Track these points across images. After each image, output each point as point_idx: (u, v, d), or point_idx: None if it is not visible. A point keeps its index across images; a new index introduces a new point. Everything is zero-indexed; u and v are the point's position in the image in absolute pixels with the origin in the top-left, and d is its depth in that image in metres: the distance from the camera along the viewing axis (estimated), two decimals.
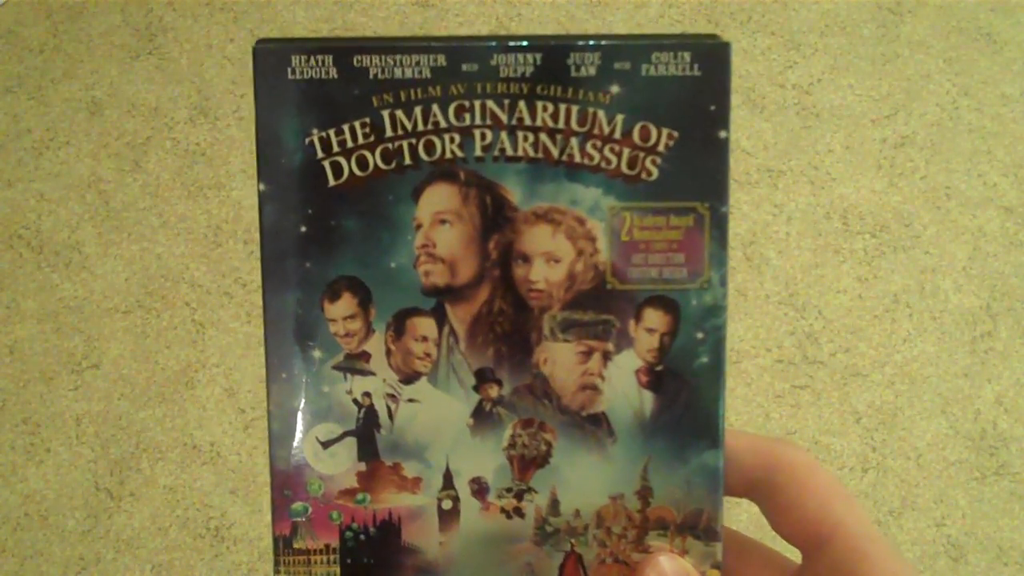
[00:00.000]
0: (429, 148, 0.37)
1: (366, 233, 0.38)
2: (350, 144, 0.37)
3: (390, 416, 0.39)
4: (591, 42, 0.37)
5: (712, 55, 0.37)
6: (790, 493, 0.38)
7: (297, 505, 0.39)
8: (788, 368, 1.46)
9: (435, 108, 0.37)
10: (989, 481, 1.41)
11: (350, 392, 0.38)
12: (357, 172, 0.38)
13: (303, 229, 0.38)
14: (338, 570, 0.39)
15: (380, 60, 0.37)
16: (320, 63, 0.37)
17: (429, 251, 0.38)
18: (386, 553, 0.39)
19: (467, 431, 0.39)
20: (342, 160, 0.37)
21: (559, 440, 0.39)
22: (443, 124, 0.37)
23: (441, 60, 0.37)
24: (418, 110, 0.37)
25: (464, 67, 0.37)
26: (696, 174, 0.38)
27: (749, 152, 1.56)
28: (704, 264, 0.38)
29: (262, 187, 0.38)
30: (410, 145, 0.37)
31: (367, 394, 0.38)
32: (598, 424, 0.39)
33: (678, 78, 0.37)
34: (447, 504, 0.39)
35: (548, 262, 0.38)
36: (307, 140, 0.37)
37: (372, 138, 0.37)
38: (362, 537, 0.39)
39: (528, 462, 0.39)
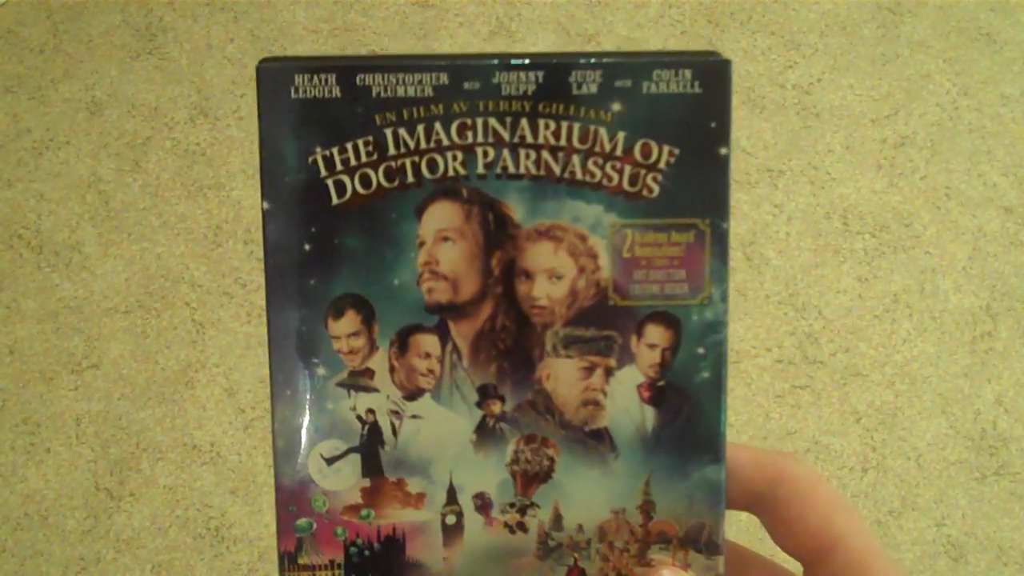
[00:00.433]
0: (432, 166, 0.37)
1: (369, 251, 0.38)
2: (353, 162, 0.37)
3: (394, 432, 0.39)
4: (592, 60, 0.37)
5: (713, 72, 0.37)
6: (792, 506, 0.39)
7: (302, 521, 0.39)
8: (788, 368, 1.46)
9: (437, 126, 0.37)
10: (989, 481, 1.41)
11: (354, 409, 0.39)
12: (360, 190, 0.38)
13: (307, 247, 0.38)
14: None
15: (383, 78, 0.37)
16: (323, 82, 0.37)
17: (432, 268, 0.38)
18: (390, 568, 0.39)
19: (470, 447, 0.39)
20: (345, 178, 0.38)
21: (562, 455, 0.39)
22: (445, 142, 0.37)
23: (443, 78, 0.37)
24: (421, 128, 0.37)
25: (466, 85, 0.37)
26: (697, 191, 0.38)
27: (749, 152, 1.56)
28: (705, 280, 0.38)
29: (266, 205, 0.38)
30: (413, 163, 0.37)
31: (371, 411, 0.39)
32: (600, 439, 0.39)
33: (679, 95, 0.37)
34: (451, 519, 0.39)
35: (550, 279, 0.38)
36: (310, 159, 0.38)
37: (375, 156, 0.37)
38: (366, 553, 0.39)
39: (531, 477, 0.39)
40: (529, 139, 0.37)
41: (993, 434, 1.43)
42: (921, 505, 1.40)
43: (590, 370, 0.39)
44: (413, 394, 0.39)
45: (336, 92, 0.37)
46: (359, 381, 0.39)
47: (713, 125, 0.38)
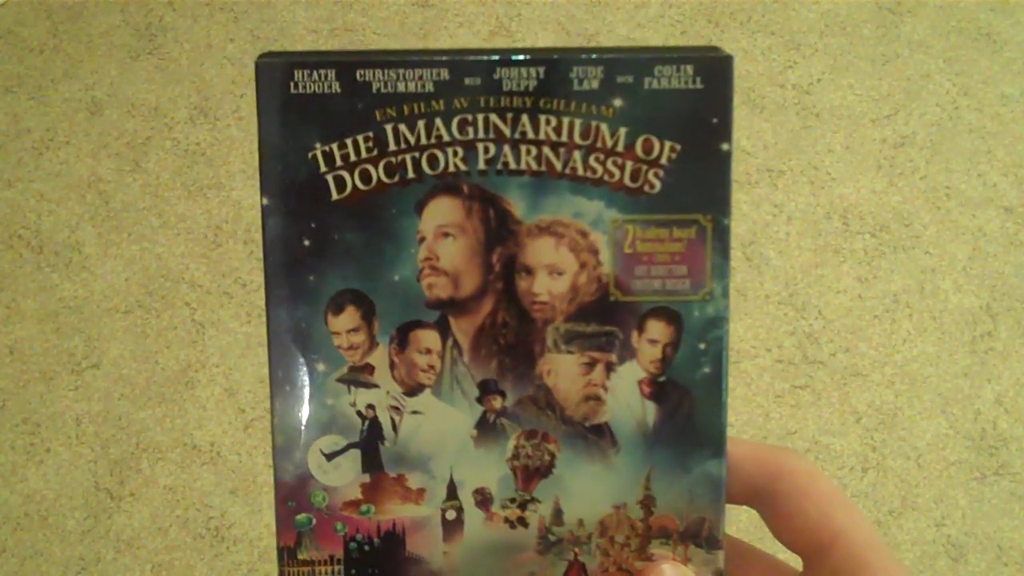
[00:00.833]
0: (432, 162, 0.37)
1: (369, 246, 0.38)
2: (353, 158, 0.37)
3: (394, 428, 0.39)
4: (593, 56, 0.37)
5: (714, 68, 0.37)
6: (791, 501, 0.39)
7: (301, 516, 0.39)
8: (788, 368, 1.46)
9: (438, 122, 0.37)
10: (989, 481, 1.41)
11: (354, 404, 0.39)
12: (360, 186, 0.38)
13: (306, 243, 0.38)
14: None
15: (383, 74, 0.37)
16: (323, 77, 0.37)
17: (432, 264, 0.38)
18: (390, 564, 0.39)
19: (471, 442, 0.39)
20: (345, 174, 0.38)
21: (562, 450, 0.39)
22: (446, 138, 0.37)
23: (444, 74, 0.37)
24: (421, 124, 0.37)
25: (467, 81, 0.37)
26: (698, 186, 0.38)
27: (749, 152, 1.56)
28: (706, 276, 0.38)
29: (265, 201, 0.38)
30: (413, 159, 0.37)
31: (371, 406, 0.39)
32: (601, 434, 0.39)
33: (680, 91, 0.37)
34: (451, 515, 0.39)
35: (551, 274, 0.38)
36: (310, 154, 0.37)
37: (375, 152, 0.37)
38: (366, 548, 0.39)
39: (532, 472, 0.39)
40: (530, 135, 0.37)
41: (993, 434, 1.43)
42: (921, 505, 1.40)
43: (591, 366, 0.39)
44: (413, 390, 0.39)
45: (336, 88, 0.37)
46: (359, 377, 0.39)
47: (715, 121, 0.38)
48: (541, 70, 0.37)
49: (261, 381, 1.44)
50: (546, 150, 0.38)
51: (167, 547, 1.37)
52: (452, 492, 0.39)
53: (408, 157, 0.37)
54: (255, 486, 1.40)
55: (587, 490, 0.39)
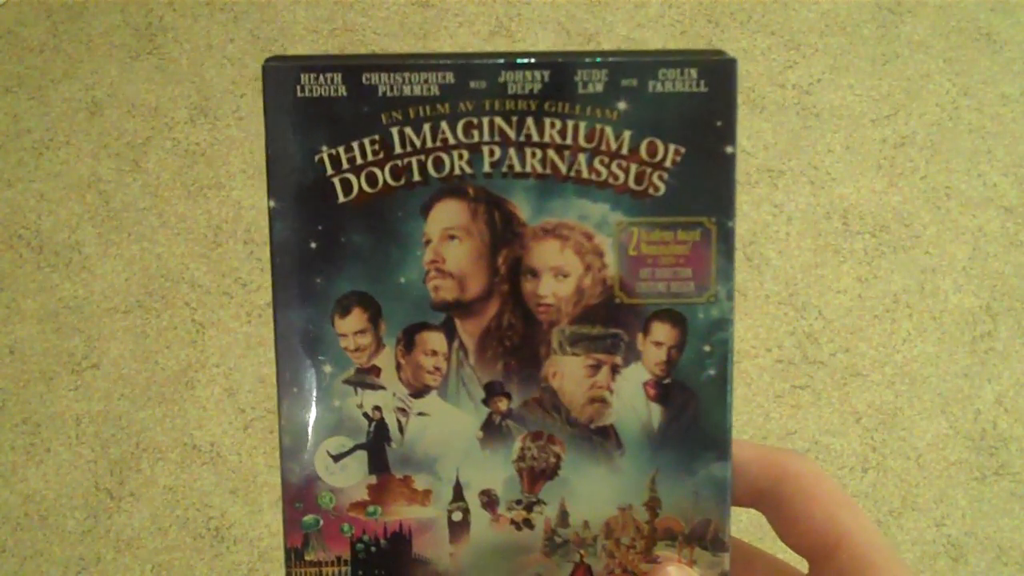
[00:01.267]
0: (438, 164, 0.38)
1: (376, 249, 0.38)
2: (359, 161, 0.38)
3: (400, 430, 0.39)
4: (598, 59, 0.37)
5: (718, 71, 0.38)
6: (796, 503, 0.39)
7: (308, 518, 0.39)
8: (788, 368, 1.46)
9: (444, 125, 0.37)
10: (989, 481, 1.41)
11: (361, 406, 0.39)
12: (367, 189, 0.38)
13: (313, 245, 0.38)
14: None
15: (389, 78, 0.37)
16: (329, 81, 0.37)
17: (438, 266, 0.38)
18: (397, 565, 0.39)
19: (477, 444, 0.39)
20: (351, 177, 0.38)
21: (568, 452, 0.39)
22: (452, 141, 0.37)
23: (449, 77, 0.37)
24: (427, 127, 0.37)
25: (472, 84, 0.37)
26: (703, 189, 0.38)
27: (749, 152, 1.56)
28: (711, 278, 0.38)
29: (272, 204, 0.38)
30: (419, 162, 0.38)
31: (377, 408, 0.39)
32: (607, 436, 0.39)
33: (685, 94, 0.37)
34: (457, 516, 0.39)
35: (556, 277, 0.38)
36: (316, 157, 0.38)
37: (381, 155, 0.38)
38: (373, 549, 0.39)
39: (537, 474, 0.39)
40: (535, 138, 0.38)
41: (993, 434, 1.43)
42: (921, 505, 1.40)
43: (596, 368, 0.39)
44: (419, 391, 0.39)
45: (342, 91, 0.37)
46: (366, 378, 0.39)
47: (719, 124, 0.38)
48: (546, 73, 0.37)
49: (261, 381, 1.44)
50: (551, 153, 0.38)
51: (167, 547, 1.37)
52: (458, 494, 0.39)
53: (414, 160, 0.38)
54: (255, 486, 1.40)
55: (593, 492, 0.39)
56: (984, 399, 1.45)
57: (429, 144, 0.38)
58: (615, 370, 0.39)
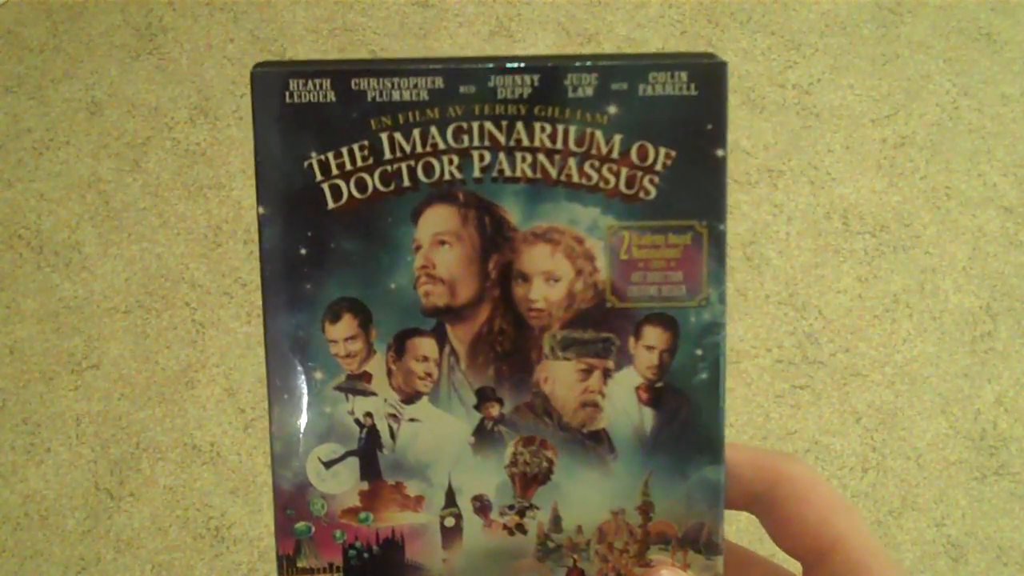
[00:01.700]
0: (428, 170, 0.37)
1: (366, 255, 0.38)
2: (349, 167, 0.37)
3: (392, 436, 0.39)
4: (588, 63, 0.37)
5: (709, 74, 0.37)
6: (791, 506, 0.39)
7: (300, 525, 0.39)
8: (788, 368, 1.46)
9: (433, 130, 0.37)
10: (989, 481, 1.41)
11: (352, 412, 0.39)
12: (356, 194, 0.38)
13: (303, 251, 0.38)
14: None
15: (378, 83, 0.37)
16: (318, 86, 0.37)
17: (429, 272, 0.38)
18: (389, 571, 0.39)
19: (469, 449, 0.39)
20: (341, 183, 0.38)
21: (560, 457, 0.39)
22: (441, 146, 0.37)
23: (439, 82, 0.37)
24: (416, 132, 0.37)
25: (462, 89, 0.37)
26: (694, 193, 0.38)
27: (749, 152, 1.56)
28: (702, 282, 0.38)
29: (261, 210, 0.38)
30: (409, 167, 0.37)
31: (369, 414, 0.39)
32: (599, 441, 0.39)
33: (675, 98, 0.37)
34: (449, 522, 0.39)
35: (547, 281, 0.38)
36: (306, 163, 0.38)
37: (371, 160, 0.37)
38: (365, 555, 0.39)
39: (530, 479, 0.39)
40: (525, 142, 0.37)
41: (993, 434, 1.43)
42: (921, 505, 1.40)
43: (588, 372, 0.39)
44: (411, 397, 0.39)
45: (331, 97, 0.37)
46: (357, 385, 0.39)
47: (710, 127, 0.38)
48: (535, 78, 0.37)
49: (261, 381, 1.44)
50: (541, 157, 0.38)
51: (167, 547, 1.37)
52: (451, 499, 0.39)
53: (403, 165, 0.37)
54: (255, 486, 1.40)
55: (585, 496, 0.39)
56: (984, 399, 1.45)
57: (419, 149, 0.37)
58: (607, 374, 0.39)
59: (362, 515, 0.39)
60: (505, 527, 0.39)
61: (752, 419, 1.43)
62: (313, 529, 0.39)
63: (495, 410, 0.39)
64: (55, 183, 1.54)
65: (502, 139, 0.37)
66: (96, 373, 1.45)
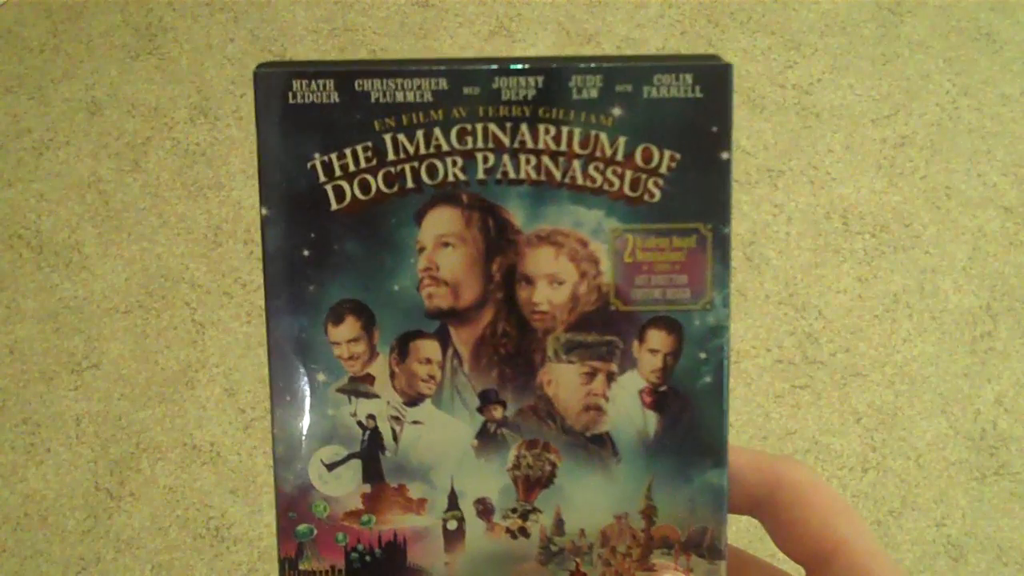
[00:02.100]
0: (431, 171, 0.37)
1: (369, 256, 0.38)
2: (352, 168, 0.37)
3: (395, 438, 0.39)
4: (592, 64, 0.37)
5: (714, 77, 0.37)
6: (793, 510, 0.39)
7: (302, 527, 0.39)
8: (788, 368, 1.46)
9: (437, 131, 0.37)
10: (989, 481, 1.41)
11: (354, 415, 0.38)
12: (359, 196, 0.38)
13: (306, 253, 0.38)
14: None
15: (381, 84, 0.37)
16: (321, 87, 0.37)
17: (432, 274, 0.38)
18: (391, 574, 0.39)
19: (472, 452, 0.39)
20: (344, 184, 0.37)
21: (563, 460, 0.39)
22: (445, 147, 0.37)
23: (443, 84, 0.37)
24: (420, 134, 0.37)
25: (466, 90, 0.37)
26: (698, 195, 0.38)
27: (749, 152, 1.56)
28: (707, 285, 0.38)
29: (264, 211, 0.38)
30: (412, 169, 0.37)
31: (371, 416, 0.38)
32: (602, 444, 0.39)
33: (680, 100, 0.37)
34: (452, 525, 0.39)
35: (551, 284, 0.38)
36: (309, 164, 0.37)
37: (374, 162, 0.37)
38: (367, 558, 0.39)
39: (533, 483, 0.39)
40: (529, 144, 0.37)
41: (993, 434, 1.43)
42: (921, 505, 1.40)
43: (592, 375, 0.38)
44: (414, 400, 0.39)
45: (334, 98, 0.37)
46: (359, 387, 0.38)
47: (714, 129, 0.37)
48: (540, 79, 0.37)
49: (261, 381, 1.44)
50: (545, 159, 0.37)
51: (167, 547, 1.37)
52: (453, 502, 0.39)
53: (407, 167, 0.37)
54: (255, 486, 1.40)
55: (588, 500, 0.39)
56: (984, 399, 1.45)
57: (422, 151, 0.37)
58: (610, 378, 0.38)
59: (364, 518, 0.39)
60: (508, 530, 0.39)
61: (752, 419, 1.43)
62: (315, 531, 0.39)
63: (498, 413, 0.39)
64: (55, 183, 1.54)
65: (506, 141, 0.37)
66: (96, 373, 1.45)
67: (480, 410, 0.39)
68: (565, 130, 0.37)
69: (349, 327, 0.38)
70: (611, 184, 0.38)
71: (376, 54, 1.62)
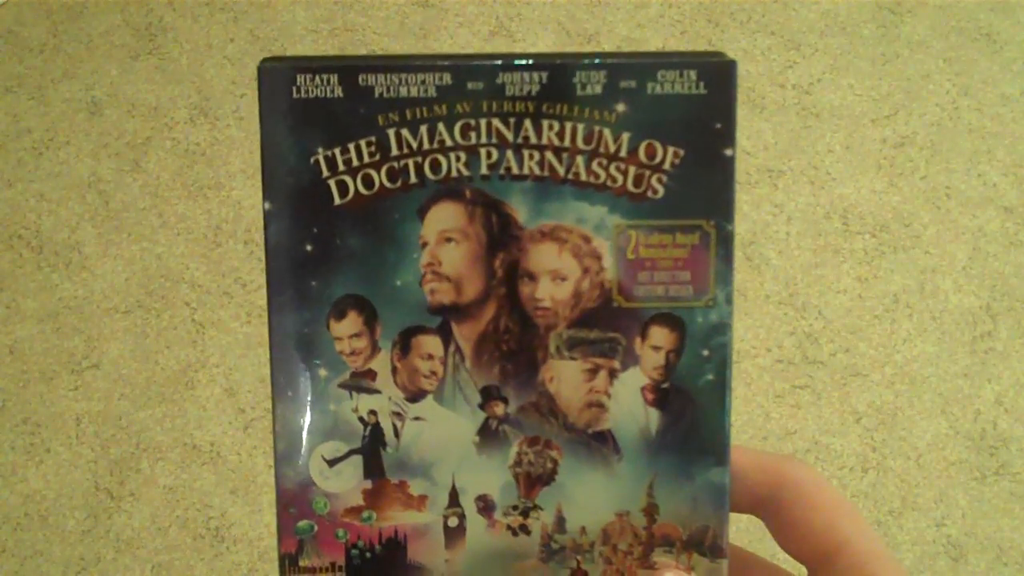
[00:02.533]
0: (435, 166, 0.37)
1: (372, 251, 0.38)
2: (355, 163, 0.37)
3: (396, 434, 0.38)
4: (597, 60, 0.37)
5: (718, 73, 0.37)
6: (796, 510, 0.38)
7: (303, 523, 0.39)
8: (788, 368, 1.46)
9: (441, 126, 0.37)
10: (989, 481, 1.41)
11: (356, 410, 0.38)
12: (363, 191, 0.37)
13: (309, 248, 0.38)
14: None
15: (385, 79, 0.37)
16: (325, 82, 0.37)
17: (435, 269, 0.38)
18: (392, 571, 0.39)
19: (473, 449, 0.39)
20: (347, 179, 0.37)
21: (565, 457, 0.39)
22: (449, 142, 0.37)
23: (447, 79, 0.37)
24: (424, 128, 0.37)
25: (470, 85, 0.37)
26: (702, 192, 0.38)
27: (749, 152, 1.56)
28: (710, 282, 0.38)
29: (267, 206, 0.38)
30: (416, 163, 0.37)
31: (373, 412, 0.38)
32: (604, 441, 0.39)
33: (684, 96, 0.37)
34: (453, 522, 0.39)
35: (554, 280, 0.38)
36: (312, 159, 0.37)
37: (378, 156, 0.37)
38: (368, 555, 0.39)
39: (534, 480, 0.39)
40: (533, 140, 0.37)
41: (993, 434, 1.43)
42: (921, 505, 1.40)
43: (594, 372, 0.38)
44: (415, 395, 0.38)
45: (338, 92, 0.37)
46: (361, 382, 0.38)
47: (718, 126, 0.37)
48: (544, 75, 0.37)
49: (261, 381, 1.44)
50: (549, 155, 0.37)
51: (167, 547, 1.37)
52: (454, 499, 0.39)
53: (411, 162, 0.37)
54: (255, 486, 1.40)
55: (590, 497, 0.39)
56: (984, 399, 1.45)
57: (426, 146, 0.37)
58: (613, 374, 0.38)
59: (365, 514, 0.39)
60: (509, 528, 0.39)
61: (752, 419, 1.43)
62: (315, 528, 0.39)
63: (500, 409, 0.38)
64: (55, 183, 1.54)
65: (510, 136, 0.37)
66: (96, 373, 1.45)
67: (482, 406, 0.39)
68: (569, 126, 0.37)
69: (351, 322, 0.38)
70: (614, 180, 0.38)
71: (379, 54, 1.62)
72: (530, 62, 0.37)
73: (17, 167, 1.55)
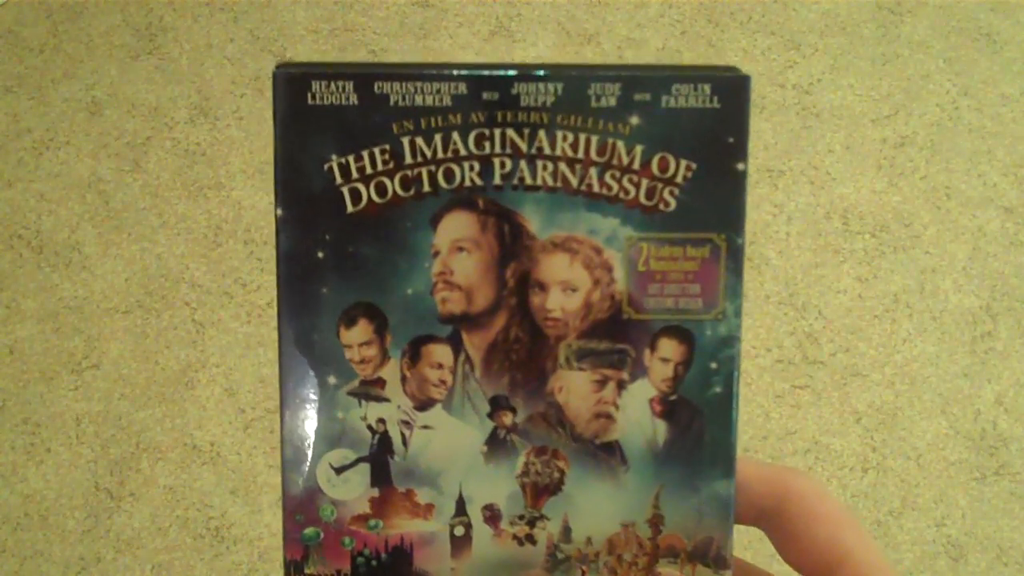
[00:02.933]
0: (448, 176, 0.37)
1: (383, 260, 0.38)
2: (369, 171, 0.37)
3: (404, 443, 0.38)
4: (611, 73, 0.37)
5: (731, 87, 0.37)
6: (799, 522, 0.38)
7: (309, 531, 0.39)
8: (788, 368, 1.46)
9: (455, 136, 0.37)
10: (989, 481, 1.41)
11: (364, 418, 0.38)
12: (376, 199, 0.37)
13: (320, 255, 0.38)
14: None
15: (401, 87, 0.37)
16: (340, 89, 0.37)
17: (446, 278, 0.38)
18: None
19: (481, 458, 0.39)
20: (361, 186, 0.37)
21: (572, 468, 0.39)
22: (463, 152, 0.37)
23: (462, 88, 0.37)
24: (438, 137, 0.37)
25: (485, 96, 0.37)
26: (713, 206, 0.38)
27: (749, 152, 1.56)
28: (719, 295, 0.38)
29: (280, 212, 0.37)
30: (429, 172, 0.37)
31: (381, 420, 0.38)
32: (611, 452, 0.39)
33: (697, 110, 0.37)
34: (459, 531, 0.39)
35: (565, 291, 0.38)
36: (326, 166, 0.37)
37: (391, 165, 0.37)
38: (374, 563, 0.39)
39: (541, 489, 0.39)
40: (547, 151, 0.37)
41: (993, 434, 1.43)
42: (921, 505, 1.40)
43: (602, 383, 0.38)
44: (424, 404, 0.38)
45: (353, 99, 0.37)
46: (370, 390, 0.38)
47: (731, 140, 0.37)
48: (559, 86, 0.37)
49: (261, 381, 1.44)
50: (562, 166, 0.37)
51: (167, 547, 1.37)
52: (461, 508, 0.39)
53: (424, 171, 0.37)
54: (255, 486, 1.40)
55: (596, 508, 0.39)
56: (984, 399, 1.45)
57: (440, 155, 0.37)
58: (621, 386, 0.38)
59: (371, 522, 0.39)
60: (515, 537, 0.39)
61: (752, 419, 1.43)
62: (322, 535, 0.39)
63: (508, 419, 0.38)
64: (55, 183, 1.54)
65: (524, 147, 0.37)
66: (96, 373, 1.45)
67: (490, 416, 0.38)
68: (583, 137, 0.37)
69: (361, 330, 0.38)
70: (627, 192, 0.38)
71: (376, 54, 1.62)
72: (545, 73, 0.37)
73: (17, 167, 1.55)
